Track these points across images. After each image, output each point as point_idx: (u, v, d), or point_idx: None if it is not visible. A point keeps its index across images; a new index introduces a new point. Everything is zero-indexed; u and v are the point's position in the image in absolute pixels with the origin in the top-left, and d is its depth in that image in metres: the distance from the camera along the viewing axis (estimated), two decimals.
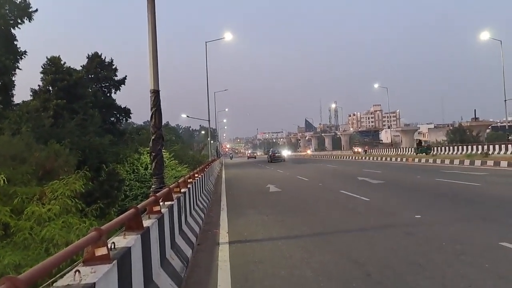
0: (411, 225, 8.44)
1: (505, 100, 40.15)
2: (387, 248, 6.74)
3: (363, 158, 52.80)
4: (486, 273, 5.17)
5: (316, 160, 60.11)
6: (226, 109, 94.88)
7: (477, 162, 26.48)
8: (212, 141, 56.37)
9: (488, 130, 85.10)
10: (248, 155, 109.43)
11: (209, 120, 43.18)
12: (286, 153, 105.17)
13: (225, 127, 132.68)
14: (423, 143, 53.24)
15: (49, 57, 27.83)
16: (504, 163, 23.84)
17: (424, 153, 42.26)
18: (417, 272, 5.39)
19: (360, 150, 75.12)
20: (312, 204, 12.91)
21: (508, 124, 53.97)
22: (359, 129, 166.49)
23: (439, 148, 47.08)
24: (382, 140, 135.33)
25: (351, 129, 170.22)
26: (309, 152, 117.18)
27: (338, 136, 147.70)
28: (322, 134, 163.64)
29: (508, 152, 32.32)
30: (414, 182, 18.15)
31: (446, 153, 41.68)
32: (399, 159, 40.55)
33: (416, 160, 36.35)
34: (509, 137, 44.45)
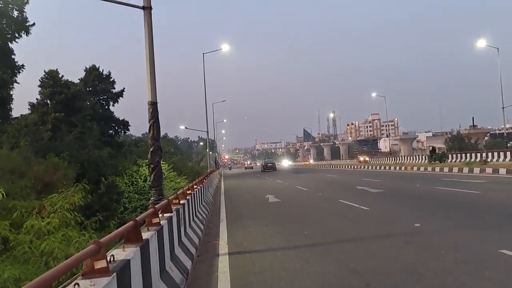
0: (410, 233, 8.44)
1: (503, 108, 40.29)
2: (386, 258, 6.73)
3: (363, 167, 52.75)
4: (487, 281, 5.16)
5: (315, 170, 60.10)
6: (225, 120, 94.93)
7: (476, 170, 26.52)
8: (210, 152, 56.32)
9: (486, 138, 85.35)
10: (246, 166, 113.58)
11: (207, 131, 43.20)
12: (286, 163, 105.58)
13: (224, 138, 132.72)
14: (437, 150, 47.02)
15: (47, 71, 27.95)
16: (502, 171, 23.88)
17: (438, 161, 38.92)
18: (417, 281, 5.38)
19: (367, 158, 72.20)
20: (311, 214, 12.89)
21: (506, 131, 54.27)
22: (358, 138, 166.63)
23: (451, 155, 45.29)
24: (380, 149, 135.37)
25: (350, 138, 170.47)
26: (311, 161, 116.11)
27: (336, 145, 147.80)
28: (321, 144, 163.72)
29: (507, 159, 32.39)
30: (413, 190, 18.15)
31: (450, 161, 41.74)
32: (398, 167, 40.56)
33: (415, 168, 36.37)
34: (508, 144, 44.60)
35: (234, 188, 28.51)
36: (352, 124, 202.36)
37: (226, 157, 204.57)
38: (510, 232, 8.00)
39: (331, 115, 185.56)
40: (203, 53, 39.36)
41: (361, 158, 75.39)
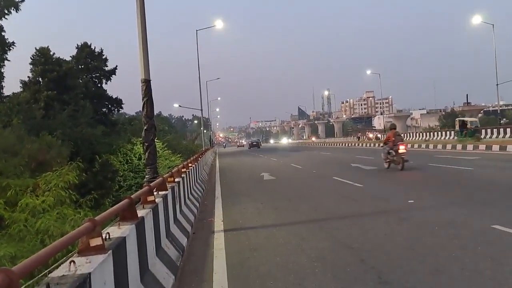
0: (404, 210, 8.52)
1: (497, 84, 40.38)
2: (380, 234, 6.79)
3: (358, 145, 52.92)
4: (479, 256, 5.23)
5: (310, 147, 60.28)
6: (219, 98, 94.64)
7: (469, 147, 26.68)
8: (205, 131, 56.24)
9: (480, 115, 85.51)
10: (238, 144, 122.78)
11: (201, 110, 43.02)
12: (286, 140, 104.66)
13: (218, 116, 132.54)
14: (469, 125, 36.48)
15: (38, 48, 27.49)
16: (496, 147, 24.05)
17: (469, 138, 31.86)
18: (411, 257, 5.44)
19: (378, 135, 60.78)
20: (306, 191, 12.96)
21: (500, 108, 54.46)
22: (352, 116, 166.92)
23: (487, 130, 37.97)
24: (375, 127, 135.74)
25: (344, 116, 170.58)
26: (314, 139, 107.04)
27: (331, 123, 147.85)
28: (315, 122, 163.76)
29: (500, 136, 32.62)
30: (407, 167, 18.25)
31: (439, 138, 41.92)
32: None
33: (409, 145, 36.54)
34: (501, 121, 44.85)
35: (229, 166, 28.56)
36: (347, 102, 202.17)
37: (221, 135, 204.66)
38: (502, 208, 8.08)
39: (326, 93, 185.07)
40: (196, 30, 38.89)
41: (371, 135, 66.25)
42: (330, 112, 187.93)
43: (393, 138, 16.07)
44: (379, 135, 59.98)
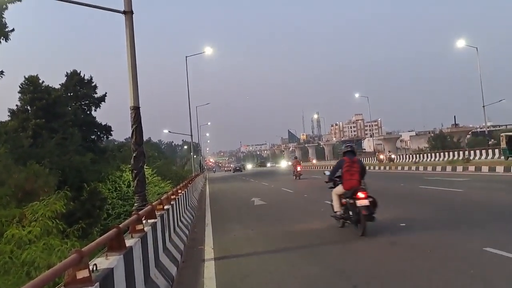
0: (396, 233, 8.48)
1: (483, 106, 41.05)
2: (373, 258, 6.74)
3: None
4: (472, 279, 5.20)
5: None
6: (209, 123, 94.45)
7: (459, 168, 26.90)
8: (195, 156, 56.06)
9: (468, 136, 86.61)
10: (225, 168, 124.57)
11: (191, 135, 43.05)
12: (286, 164, 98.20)
13: (208, 141, 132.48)
14: None
15: (27, 77, 27.47)
16: (485, 168, 24.28)
17: None
18: (404, 281, 5.40)
19: (392, 156, 51.60)
20: (297, 216, 12.87)
21: (488, 129, 55.24)
22: (342, 139, 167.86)
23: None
24: (365, 149, 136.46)
25: (334, 139, 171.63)
26: (314, 162, 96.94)
27: (321, 146, 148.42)
28: (306, 145, 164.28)
29: (489, 157, 32.93)
30: (398, 190, 18.30)
31: (429, 159, 42.24)
32: (382, 167, 40.91)
33: (400, 168, 36.72)
34: (489, 142, 45.41)
35: (220, 191, 28.37)
36: (336, 124, 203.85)
37: (211, 160, 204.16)
38: (493, 230, 8.08)
39: (315, 116, 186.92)
40: (186, 56, 39.31)
41: (382, 156, 53.31)
42: (320, 135, 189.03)
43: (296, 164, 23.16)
44: (393, 156, 50.92)
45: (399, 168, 36.59)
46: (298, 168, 33.32)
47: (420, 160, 42.79)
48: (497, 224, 8.59)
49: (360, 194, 8.57)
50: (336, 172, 9.52)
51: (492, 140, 48.86)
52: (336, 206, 9.59)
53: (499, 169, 22.91)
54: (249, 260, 7.52)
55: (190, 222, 12.33)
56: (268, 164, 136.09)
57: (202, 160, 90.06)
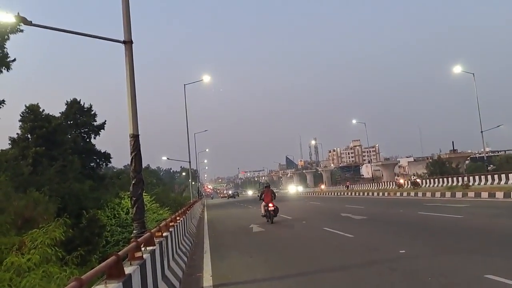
0: (395, 260, 8.45)
1: (482, 131, 41.28)
2: (372, 285, 6.71)
3: (347, 194, 52.88)
4: None
5: (299, 197, 60.04)
6: (207, 150, 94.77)
7: (458, 194, 26.87)
8: (193, 183, 55.95)
9: (467, 161, 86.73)
10: (222, 195, 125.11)
11: (189, 162, 43.01)
12: (294, 189, 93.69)
13: (206, 168, 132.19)
14: None
15: (27, 105, 27.69)
16: (484, 194, 24.25)
17: None
18: None
19: (417, 180, 43.39)
20: (296, 242, 12.83)
21: (486, 155, 55.35)
22: (340, 165, 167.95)
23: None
24: (363, 175, 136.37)
25: (332, 165, 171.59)
26: (323, 187, 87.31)
27: (319, 172, 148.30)
28: (304, 171, 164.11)
29: (488, 183, 32.90)
30: (397, 216, 18.26)
31: (428, 185, 42.14)
32: (381, 193, 40.82)
33: (398, 194, 36.66)
34: (488, 168, 45.42)
35: (218, 218, 28.22)
36: (334, 150, 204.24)
37: (210, 186, 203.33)
38: (494, 256, 8.06)
39: (313, 142, 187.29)
40: (184, 85, 39.67)
41: (402, 180, 46.97)
42: (318, 161, 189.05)
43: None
44: (418, 180, 43.58)
45: (398, 194, 36.52)
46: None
47: (419, 186, 42.67)
48: (498, 251, 8.56)
49: (270, 205, 19.99)
50: (262, 195, 21.21)
51: (491, 165, 48.91)
52: (262, 211, 21.04)
53: (499, 195, 22.90)
54: (247, 287, 7.47)
55: (189, 249, 12.26)
56: (274, 190, 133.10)
57: (200, 187, 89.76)
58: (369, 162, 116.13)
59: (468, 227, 12.71)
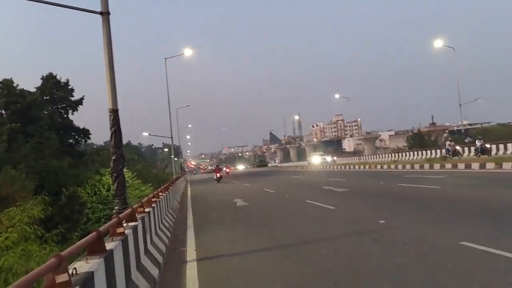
0: (376, 231, 8.60)
1: (460, 105, 41.90)
2: (353, 255, 6.82)
3: (330, 167, 53.44)
4: (449, 272, 5.33)
5: (283, 172, 60.46)
6: (189, 125, 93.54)
7: (437, 166, 27.37)
8: (176, 159, 55.68)
9: (445, 134, 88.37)
10: (202, 171, 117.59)
11: (171, 137, 42.69)
12: (318, 160, 63.87)
13: (189, 144, 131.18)
14: None
15: (0, 80, 26.86)
16: (461, 166, 24.78)
17: None
18: (384, 277, 5.48)
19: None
20: (279, 216, 12.92)
21: (464, 127, 56.36)
22: (323, 139, 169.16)
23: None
24: (345, 149, 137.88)
25: (315, 139, 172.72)
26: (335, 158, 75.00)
27: (303, 147, 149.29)
28: (287, 146, 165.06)
29: (465, 155, 33.61)
30: (377, 188, 18.53)
31: (408, 158, 42.88)
32: (362, 166, 41.37)
33: (379, 166, 37.20)
34: (465, 140, 46.36)
35: (201, 193, 28.24)
36: (317, 125, 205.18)
37: (193, 163, 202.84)
38: (469, 224, 8.28)
39: (296, 117, 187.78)
40: (165, 58, 38.95)
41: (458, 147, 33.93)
42: (301, 136, 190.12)
43: (217, 169, 42.93)
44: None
45: (379, 166, 37.06)
46: (218, 175, 40.82)
47: (399, 159, 43.40)
48: (472, 219, 8.80)
49: (218, 175, 40.49)
50: (213, 170, 55.00)
51: (468, 138, 49.91)
52: (215, 177, 40.34)
53: (475, 166, 23.41)
54: (232, 260, 7.51)
55: (172, 224, 12.24)
56: (273, 163, 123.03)
57: (183, 163, 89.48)
58: (351, 136, 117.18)
59: (445, 197, 13.01)
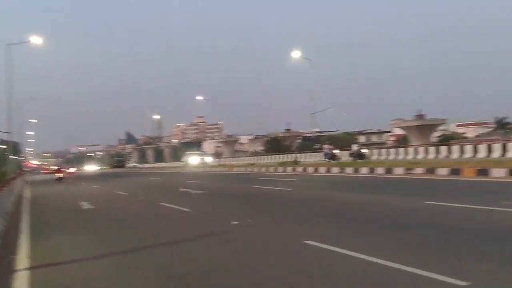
0: (229, 232, 8.70)
1: (312, 114, 45.50)
2: (207, 257, 6.72)
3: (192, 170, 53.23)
4: (292, 270, 5.56)
5: (140, 173, 58.37)
6: (33, 120, 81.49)
7: (289, 169, 29.23)
8: (16, 157, 49.71)
9: (298, 140, 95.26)
10: (44, 171, 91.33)
11: (8, 132, 37.84)
12: (196, 161, 58.66)
13: (34, 140, 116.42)
14: None
15: None
16: (311, 169, 26.84)
17: None
18: (232, 277, 5.52)
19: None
20: (130, 219, 12.23)
21: (315, 135, 61.35)
22: (183, 141, 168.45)
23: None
24: (205, 151, 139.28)
25: (176, 140, 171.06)
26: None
27: (161, 148, 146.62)
28: (144, 146, 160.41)
29: (315, 159, 36.55)
30: (233, 190, 18.93)
31: (264, 161, 45.00)
32: (224, 169, 42.15)
33: (236, 169, 38.31)
34: (314, 146, 50.65)
35: (43, 195, 25.42)
36: (178, 126, 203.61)
37: (36, 162, 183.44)
38: (313, 224, 8.88)
39: (156, 117, 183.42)
40: (8, 44, 34.44)
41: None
42: (161, 137, 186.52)
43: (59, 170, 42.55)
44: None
45: (235, 170, 38.15)
46: (60, 175, 41.75)
47: (256, 162, 45.37)
48: (316, 219, 9.51)
49: (60, 175, 41.23)
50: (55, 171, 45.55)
51: (317, 144, 54.68)
52: (55, 177, 41.20)
53: (322, 169, 25.56)
54: (73, 267, 6.76)
55: (3, 228, 10.67)
56: (132, 164, 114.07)
57: (22, 162, 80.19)
58: (212, 139, 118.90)
59: (295, 198, 13.98)
